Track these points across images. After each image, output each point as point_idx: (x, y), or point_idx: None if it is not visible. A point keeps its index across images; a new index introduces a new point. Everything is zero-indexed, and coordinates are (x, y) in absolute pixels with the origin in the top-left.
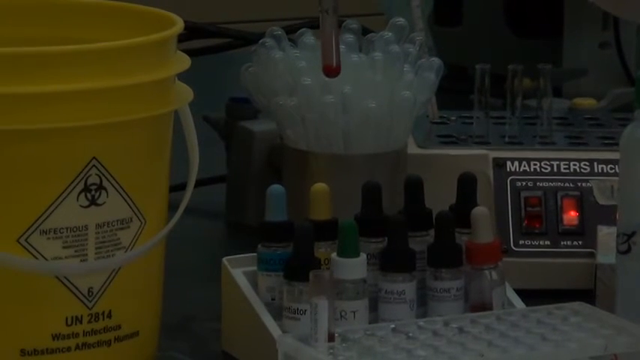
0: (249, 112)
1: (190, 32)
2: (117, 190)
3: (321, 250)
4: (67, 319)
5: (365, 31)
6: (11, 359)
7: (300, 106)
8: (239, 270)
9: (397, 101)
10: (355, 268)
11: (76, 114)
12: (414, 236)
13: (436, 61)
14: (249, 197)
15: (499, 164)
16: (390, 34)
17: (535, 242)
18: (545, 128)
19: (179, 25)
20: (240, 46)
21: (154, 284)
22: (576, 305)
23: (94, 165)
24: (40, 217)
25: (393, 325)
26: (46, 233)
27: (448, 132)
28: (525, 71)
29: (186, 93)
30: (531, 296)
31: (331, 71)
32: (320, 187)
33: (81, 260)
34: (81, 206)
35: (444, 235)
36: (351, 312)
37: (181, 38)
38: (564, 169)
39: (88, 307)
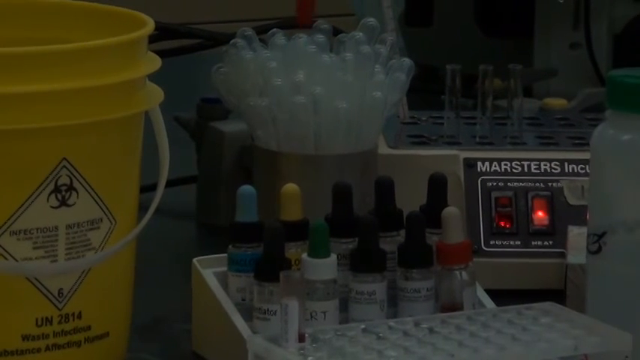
0: (220, 112)
1: (161, 33)
2: (87, 191)
3: (292, 250)
4: (37, 320)
5: (336, 32)
6: None
7: (270, 106)
8: (209, 270)
9: (368, 102)
10: (326, 268)
11: (46, 114)
12: (385, 236)
13: (407, 61)
14: (219, 198)
15: (470, 164)
16: (361, 34)
17: (506, 242)
18: (516, 128)
19: (150, 26)
20: (211, 46)
21: (124, 285)
22: (547, 305)
23: (64, 166)
24: (10, 218)
25: (363, 326)
26: (16, 234)
27: (419, 132)
28: (496, 71)
29: (156, 94)
30: (502, 296)
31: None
32: (290, 187)
33: (51, 261)
34: (51, 207)
35: (414, 235)
36: (322, 312)
37: (152, 39)
38: (535, 169)
39: (58, 308)
